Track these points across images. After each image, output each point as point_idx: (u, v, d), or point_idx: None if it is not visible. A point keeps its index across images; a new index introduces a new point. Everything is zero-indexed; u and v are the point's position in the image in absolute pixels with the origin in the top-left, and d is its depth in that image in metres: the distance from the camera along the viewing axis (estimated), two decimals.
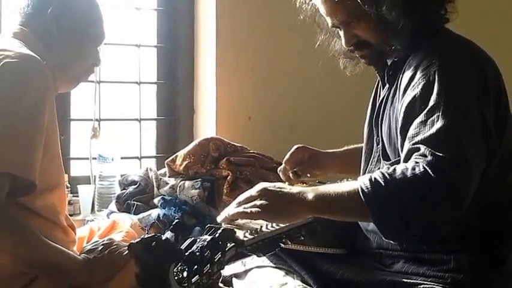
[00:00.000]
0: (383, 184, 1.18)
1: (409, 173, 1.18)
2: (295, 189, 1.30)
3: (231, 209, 1.29)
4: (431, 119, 1.24)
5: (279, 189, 1.29)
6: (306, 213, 1.29)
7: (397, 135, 1.36)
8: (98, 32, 1.70)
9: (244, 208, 1.26)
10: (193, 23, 2.82)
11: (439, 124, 1.23)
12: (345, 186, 1.26)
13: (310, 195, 1.25)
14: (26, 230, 1.40)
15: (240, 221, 1.29)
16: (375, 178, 1.20)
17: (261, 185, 1.30)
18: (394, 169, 1.21)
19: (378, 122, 1.49)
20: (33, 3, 1.60)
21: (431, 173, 1.16)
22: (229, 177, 2.25)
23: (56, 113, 1.55)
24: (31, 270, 1.46)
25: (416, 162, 1.19)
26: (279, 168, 1.77)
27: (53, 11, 1.59)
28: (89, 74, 1.75)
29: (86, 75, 1.75)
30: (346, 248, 1.56)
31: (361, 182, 1.21)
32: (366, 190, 1.19)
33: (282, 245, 1.29)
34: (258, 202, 1.26)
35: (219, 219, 1.31)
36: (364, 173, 1.56)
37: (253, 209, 1.24)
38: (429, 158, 1.18)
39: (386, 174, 1.20)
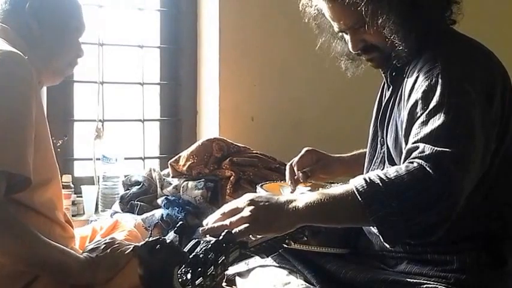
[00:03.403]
0: (379, 182, 1.17)
1: (403, 170, 1.17)
2: (283, 198, 1.24)
3: (216, 220, 1.24)
4: (432, 119, 1.24)
5: (266, 200, 1.23)
6: (297, 223, 1.23)
7: (402, 140, 1.37)
8: (78, 24, 1.70)
9: (231, 222, 1.19)
10: (196, 23, 2.82)
11: (438, 122, 1.22)
12: (337, 190, 1.23)
13: (300, 204, 1.21)
14: (26, 230, 1.40)
15: None
16: (369, 177, 1.19)
17: (248, 196, 1.24)
18: (388, 169, 1.21)
19: (383, 123, 1.49)
20: (10, 0, 1.60)
21: (427, 167, 1.16)
22: (232, 177, 2.25)
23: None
24: (32, 270, 1.46)
25: (411, 160, 1.19)
26: (287, 167, 1.76)
27: (30, 6, 1.59)
28: (72, 66, 1.74)
29: (70, 68, 1.74)
30: (349, 248, 1.57)
31: (356, 183, 1.19)
32: (361, 189, 1.17)
33: (285, 245, 1.28)
34: (244, 214, 1.20)
35: (201, 231, 1.22)
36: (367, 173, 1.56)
37: (241, 227, 1.18)
38: (427, 152, 1.18)
39: (380, 174, 1.19)
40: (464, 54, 1.36)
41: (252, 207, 1.21)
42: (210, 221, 1.25)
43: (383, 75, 1.56)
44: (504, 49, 1.56)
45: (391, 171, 1.19)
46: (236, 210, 1.22)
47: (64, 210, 1.68)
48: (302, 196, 1.24)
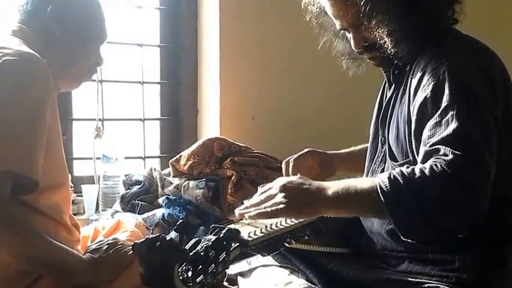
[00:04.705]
0: (402, 183, 1.18)
1: (428, 172, 1.18)
2: (314, 184, 1.29)
3: (251, 208, 1.29)
4: (445, 119, 1.24)
5: (298, 186, 1.28)
6: (324, 210, 1.29)
7: (405, 137, 1.36)
8: (100, 31, 1.68)
9: (265, 208, 1.26)
10: (196, 22, 2.81)
11: (454, 125, 1.22)
12: (363, 183, 1.25)
13: (329, 192, 1.25)
14: (30, 229, 1.40)
15: (245, 220, 1.29)
16: (394, 176, 1.20)
17: (281, 182, 1.29)
18: (413, 169, 1.20)
19: (385, 122, 1.49)
20: (32, 1, 1.58)
21: (451, 172, 1.16)
22: (233, 177, 2.25)
23: (58, 113, 1.54)
24: (35, 269, 1.46)
25: (435, 163, 1.19)
26: (283, 165, 1.76)
27: (53, 9, 1.56)
28: (91, 73, 1.73)
29: (89, 75, 1.72)
30: (351, 247, 1.56)
31: (380, 181, 1.20)
32: (385, 189, 1.19)
33: (287, 244, 1.29)
34: (278, 200, 1.26)
35: (237, 212, 1.31)
36: (368, 172, 1.56)
37: (274, 208, 1.24)
38: (450, 157, 1.18)
39: (405, 173, 1.19)
40: (467, 52, 1.36)
41: (284, 193, 1.26)
42: (247, 205, 1.31)
43: (384, 74, 1.56)
44: (504, 49, 1.55)
45: (416, 172, 1.19)
46: (270, 198, 1.28)
47: (71, 213, 1.67)
48: (331, 184, 1.28)
